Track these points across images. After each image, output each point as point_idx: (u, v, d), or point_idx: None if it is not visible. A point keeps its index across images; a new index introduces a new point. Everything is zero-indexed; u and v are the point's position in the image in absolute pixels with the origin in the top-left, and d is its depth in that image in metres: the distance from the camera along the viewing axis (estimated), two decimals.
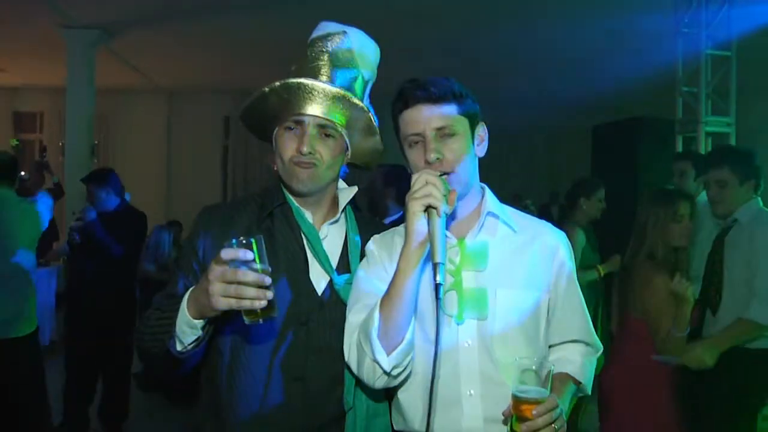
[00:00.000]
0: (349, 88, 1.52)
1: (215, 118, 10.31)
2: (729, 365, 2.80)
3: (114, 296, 4.20)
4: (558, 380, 1.48)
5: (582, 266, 3.72)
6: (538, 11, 5.99)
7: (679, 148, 5.47)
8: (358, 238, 1.62)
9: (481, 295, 1.44)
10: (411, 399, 1.48)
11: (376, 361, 1.35)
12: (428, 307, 1.43)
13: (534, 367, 1.30)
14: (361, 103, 1.52)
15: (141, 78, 9.02)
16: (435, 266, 1.26)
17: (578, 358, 1.56)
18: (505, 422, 1.34)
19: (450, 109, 1.44)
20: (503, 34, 6.65)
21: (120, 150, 9.81)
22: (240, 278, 1.25)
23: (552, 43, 6.68)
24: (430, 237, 1.29)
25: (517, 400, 1.29)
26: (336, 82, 1.51)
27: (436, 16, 6.22)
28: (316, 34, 1.59)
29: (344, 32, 1.56)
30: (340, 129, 1.53)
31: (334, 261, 1.57)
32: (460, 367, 1.43)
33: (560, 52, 6.95)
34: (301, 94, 1.48)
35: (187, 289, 1.40)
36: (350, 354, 1.43)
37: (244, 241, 1.28)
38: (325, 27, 1.59)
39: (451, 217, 1.43)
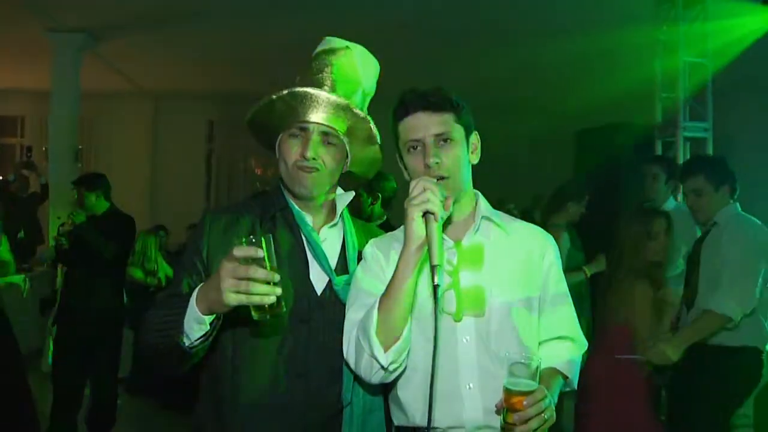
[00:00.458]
0: (351, 99, 1.60)
1: (199, 122, 10.28)
2: (704, 363, 2.90)
3: (103, 300, 4.19)
4: (546, 374, 1.57)
5: (568, 268, 3.82)
6: (521, 25, 6.10)
7: (659, 152, 5.61)
8: (355, 241, 1.69)
9: (478, 293, 1.53)
10: (411, 395, 1.55)
11: (374, 356, 1.42)
12: (427, 307, 1.50)
13: (523, 361, 1.39)
14: (363, 113, 1.60)
15: (125, 82, 8.98)
16: (433, 269, 1.33)
17: (565, 354, 1.64)
18: (498, 413, 1.42)
19: (447, 118, 1.53)
20: (487, 43, 6.76)
21: (104, 154, 9.74)
22: (251, 275, 1.31)
23: (534, 56, 6.81)
24: (428, 241, 1.36)
25: (509, 393, 1.37)
26: (338, 93, 1.59)
27: (417, 29, 6.32)
28: (320, 48, 1.68)
29: (347, 47, 1.65)
30: (341, 137, 1.61)
31: (333, 263, 1.64)
32: (459, 362, 1.51)
33: (542, 62, 7.09)
34: (307, 102, 1.55)
35: (191, 288, 1.46)
36: (349, 350, 1.50)
37: (254, 240, 1.34)
38: (330, 42, 1.68)
39: (447, 220, 1.50)
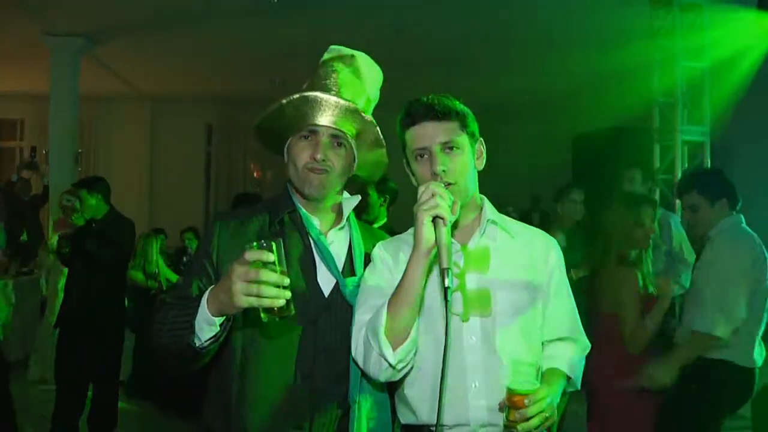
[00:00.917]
0: (357, 104, 1.64)
1: (198, 125, 10.31)
2: (692, 375, 2.85)
3: (104, 303, 4.20)
4: (549, 375, 1.62)
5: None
6: (521, 33, 6.15)
7: (657, 156, 5.65)
8: (361, 244, 1.72)
9: (484, 295, 1.57)
10: (419, 393, 1.58)
11: (382, 355, 1.46)
12: (435, 308, 1.54)
13: (525, 361, 1.45)
14: (369, 117, 1.65)
15: (124, 85, 9.00)
16: (443, 271, 1.36)
17: (568, 355, 1.68)
18: (501, 411, 1.47)
19: (453, 126, 1.58)
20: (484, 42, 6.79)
21: (102, 157, 9.76)
22: (262, 278, 1.34)
23: (533, 60, 6.85)
24: (438, 244, 1.40)
25: (511, 392, 1.42)
26: (346, 99, 1.63)
27: (419, 31, 6.34)
28: (327, 56, 1.73)
29: (352, 56, 1.71)
30: (350, 140, 1.66)
31: (340, 265, 1.67)
32: (465, 362, 1.55)
33: (541, 66, 7.13)
34: (316, 106, 1.60)
35: (200, 291, 1.50)
36: (357, 349, 1.53)
37: (265, 244, 1.37)
38: (335, 50, 1.73)
39: (454, 224, 1.53)
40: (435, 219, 1.40)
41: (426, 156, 1.57)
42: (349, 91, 1.65)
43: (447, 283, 1.34)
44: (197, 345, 1.46)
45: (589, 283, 3.29)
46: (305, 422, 1.57)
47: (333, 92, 1.62)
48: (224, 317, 1.44)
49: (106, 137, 9.83)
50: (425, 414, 1.57)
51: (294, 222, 1.67)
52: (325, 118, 1.61)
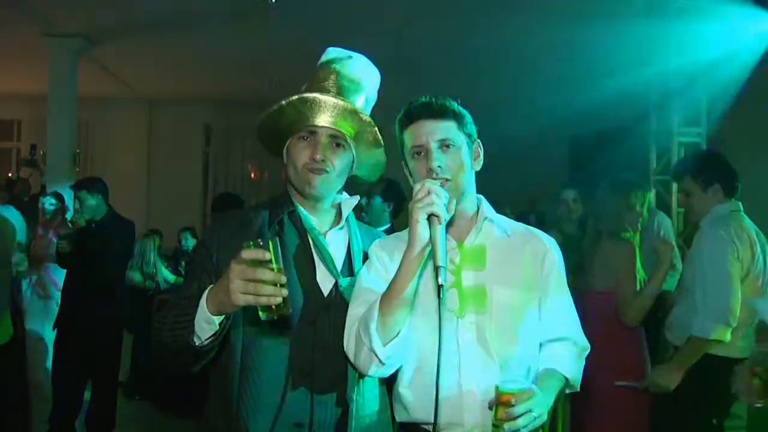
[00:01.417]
0: (356, 105, 1.67)
1: (196, 126, 10.30)
2: (689, 371, 2.81)
3: (103, 304, 4.21)
4: (545, 375, 1.63)
5: None
6: (517, 27, 6.15)
7: (654, 158, 5.68)
8: (360, 244, 1.74)
9: (479, 292, 1.59)
10: (413, 391, 1.60)
11: (372, 350, 1.48)
12: (430, 305, 1.54)
13: (515, 361, 1.46)
14: (368, 117, 1.67)
15: (122, 86, 9.00)
16: (437, 269, 1.37)
17: (566, 355, 1.69)
18: (490, 409, 1.47)
19: (450, 125, 1.60)
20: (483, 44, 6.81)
21: (101, 158, 9.75)
22: (259, 276, 1.36)
23: (530, 61, 6.87)
24: (432, 242, 1.41)
25: (499, 391, 1.43)
26: (344, 99, 1.65)
27: (412, 35, 6.36)
28: (325, 58, 1.75)
29: (350, 57, 1.73)
30: (349, 140, 1.68)
31: (339, 265, 1.69)
32: (460, 360, 1.56)
33: (538, 68, 7.15)
34: (316, 107, 1.62)
35: (201, 290, 1.51)
36: (349, 343, 1.55)
37: (261, 243, 1.39)
38: (333, 52, 1.75)
39: (450, 222, 1.54)
40: (430, 217, 1.42)
41: (423, 153, 1.59)
42: (347, 91, 1.67)
43: (440, 280, 1.36)
44: (197, 344, 1.48)
45: (577, 263, 3.22)
46: (305, 421, 1.59)
47: (331, 93, 1.64)
48: (223, 316, 1.46)
49: (105, 138, 9.82)
50: (419, 413, 1.59)
51: (293, 222, 1.69)
52: (323, 119, 1.63)
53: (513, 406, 1.39)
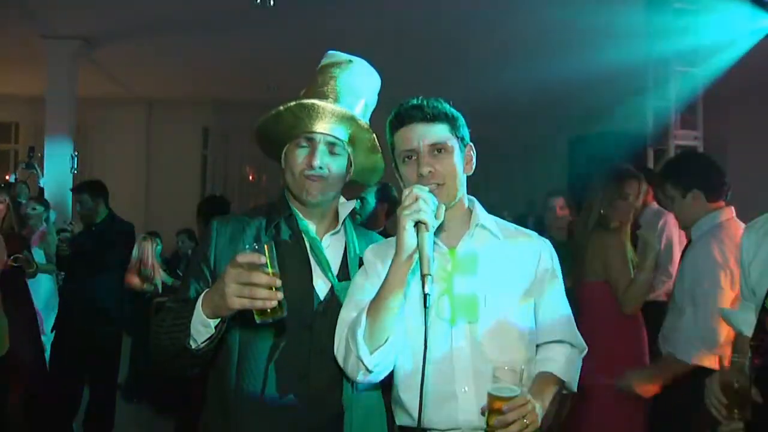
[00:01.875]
0: (354, 110, 1.67)
1: (194, 128, 10.29)
2: (685, 380, 2.75)
3: (102, 306, 4.21)
4: (541, 379, 1.61)
5: None
6: (518, 36, 6.18)
7: (651, 161, 5.68)
8: (357, 248, 1.74)
9: (471, 299, 1.57)
10: (413, 396, 1.57)
11: (359, 358, 1.47)
12: (421, 313, 1.52)
13: (506, 367, 1.43)
14: (365, 124, 1.67)
15: (120, 89, 9.00)
16: (423, 278, 1.37)
17: (562, 358, 1.67)
18: (482, 415, 1.46)
19: (442, 128, 1.58)
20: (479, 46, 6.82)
21: (98, 160, 9.73)
22: (254, 280, 1.37)
23: (529, 63, 6.87)
24: (419, 250, 1.40)
25: (492, 398, 1.41)
26: (342, 104, 1.65)
27: (413, 38, 6.37)
28: (324, 61, 1.74)
29: (350, 61, 1.72)
30: (346, 146, 1.68)
31: (335, 269, 1.69)
32: (454, 366, 1.55)
33: (537, 71, 7.15)
34: (313, 113, 1.62)
35: (198, 294, 1.52)
36: (339, 348, 1.55)
37: (257, 247, 1.39)
38: (333, 56, 1.74)
39: (441, 228, 1.54)
40: (417, 224, 1.41)
41: (414, 158, 1.57)
42: (346, 97, 1.67)
43: (426, 289, 1.35)
44: (193, 347, 1.48)
45: (570, 252, 3.20)
46: (301, 423, 1.59)
47: (330, 99, 1.64)
48: (219, 319, 1.47)
49: (103, 141, 9.80)
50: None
51: (290, 226, 1.69)
52: (321, 125, 1.63)
53: (505, 413, 1.38)
